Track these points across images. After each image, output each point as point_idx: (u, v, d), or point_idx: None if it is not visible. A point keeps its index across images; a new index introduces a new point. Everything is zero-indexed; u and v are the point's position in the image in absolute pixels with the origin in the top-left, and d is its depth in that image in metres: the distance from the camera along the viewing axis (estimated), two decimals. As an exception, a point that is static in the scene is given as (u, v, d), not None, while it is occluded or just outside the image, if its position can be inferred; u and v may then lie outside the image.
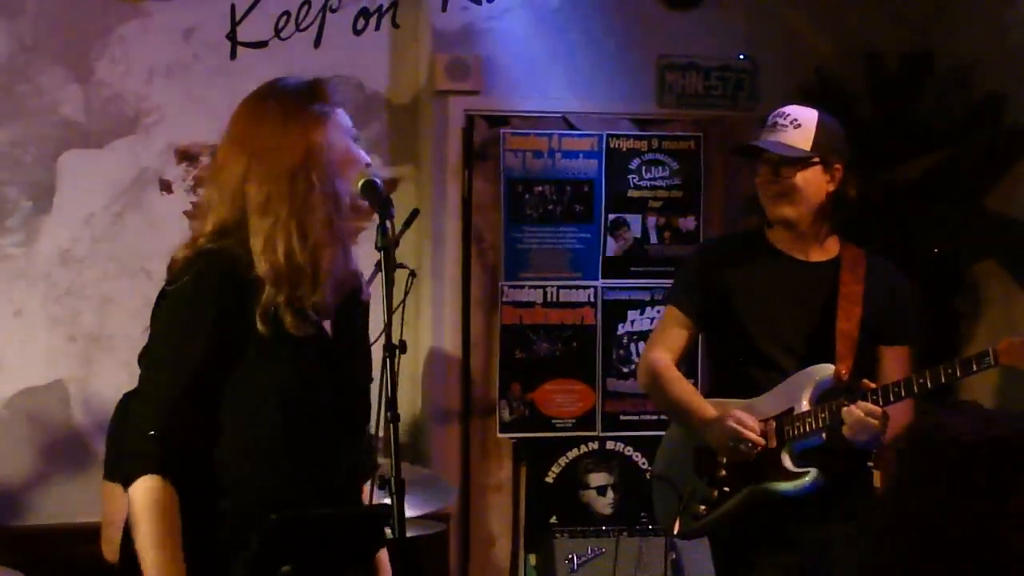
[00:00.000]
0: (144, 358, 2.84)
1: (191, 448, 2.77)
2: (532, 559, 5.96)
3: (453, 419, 5.95)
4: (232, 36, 5.64)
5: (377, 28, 5.82)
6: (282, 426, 2.83)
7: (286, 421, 2.83)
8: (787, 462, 3.82)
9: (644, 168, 6.09)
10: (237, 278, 2.79)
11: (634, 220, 6.08)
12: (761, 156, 3.95)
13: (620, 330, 6.08)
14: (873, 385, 3.71)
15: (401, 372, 2.88)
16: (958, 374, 3.59)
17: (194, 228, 2.92)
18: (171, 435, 2.74)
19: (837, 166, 3.92)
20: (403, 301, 2.97)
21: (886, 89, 6.10)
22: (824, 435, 3.78)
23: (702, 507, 3.97)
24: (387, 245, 2.90)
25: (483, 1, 5.89)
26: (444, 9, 5.83)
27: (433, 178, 5.91)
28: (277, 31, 5.68)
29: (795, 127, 3.92)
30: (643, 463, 6.04)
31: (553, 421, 6.02)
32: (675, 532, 4.07)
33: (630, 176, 6.08)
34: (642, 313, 6.07)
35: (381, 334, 2.87)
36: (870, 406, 3.67)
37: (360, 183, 2.97)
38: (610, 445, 6.10)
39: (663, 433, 4.29)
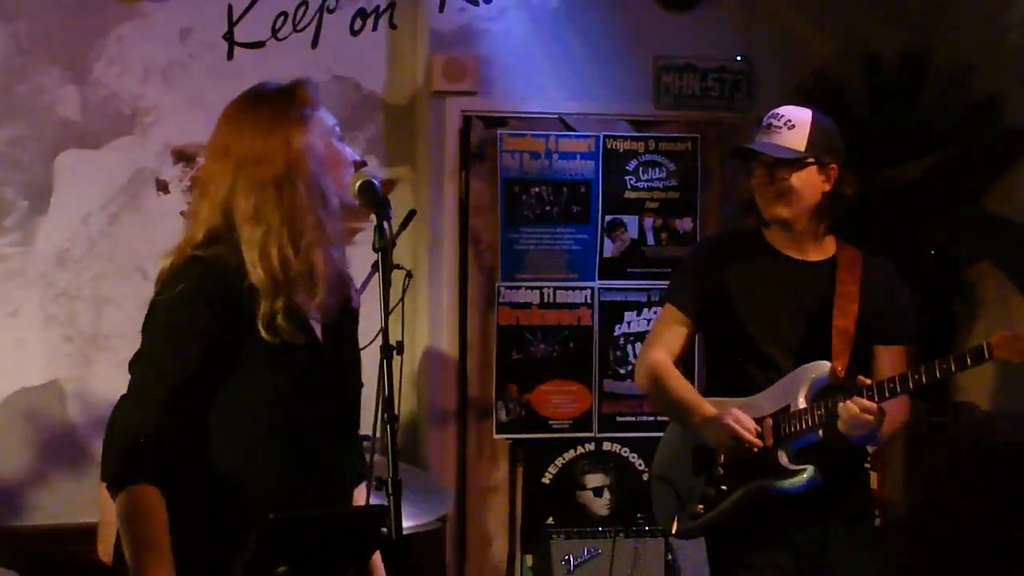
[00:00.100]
0: (135, 364, 2.84)
1: (180, 454, 2.76)
2: (528, 560, 5.96)
3: (450, 420, 5.95)
4: (229, 36, 5.64)
5: (374, 29, 5.82)
6: (274, 432, 2.83)
7: (278, 427, 2.84)
8: (784, 460, 3.82)
9: (641, 169, 6.09)
10: (230, 287, 2.78)
11: (631, 221, 6.08)
12: (756, 158, 3.95)
13: (617, 331, 6.08)
14: (868, 381, 3.71)
15: (397, 373, 2.88)
16: (953, 369, 3.59)
17: (183, 237, 2.91)
18: (160, 441, 2.73)
19: (832, 166, 3.92)
20: (400, 302, 2.98)
21: (884, 90, 6.10)
22: (820, 432, 3.78)
23: (700, 506, 3.97)
24: (384, 246, 2.90)
25: (480, 2, 5.89)
26: (441, 10, 5.83)
27: (430, 179, 5.91)
28: (274, 31, 5.68)
29: (789, 128, 3.92)
30: (640, 464, 6.03)
31: (550, 422, 6.02)
32: (673, 532, 4.07)
33: (627, 177, 6.08)
34: (639, 314, 6.08)
35: (378, 335, 2.87)
36: (865, 402, 3.67)
37: (357, 184, 2.97)
38: (607, 446, 6.10)
39: (660, 434, 4.29)
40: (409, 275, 4.70)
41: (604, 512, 6.08)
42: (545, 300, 6.02)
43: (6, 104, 5.56)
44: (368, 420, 3.14)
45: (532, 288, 6.01)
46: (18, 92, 5.57)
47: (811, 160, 3.89)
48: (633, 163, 6.08)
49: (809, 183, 3.90)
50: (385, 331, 2.86)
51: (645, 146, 6.11)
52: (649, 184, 6.10)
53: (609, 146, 6.06)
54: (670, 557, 5.66)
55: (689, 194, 6.13)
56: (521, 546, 6.02)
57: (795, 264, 3.98)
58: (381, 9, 5.80)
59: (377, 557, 3.08)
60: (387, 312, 2.86)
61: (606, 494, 6.08)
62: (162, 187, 5.66)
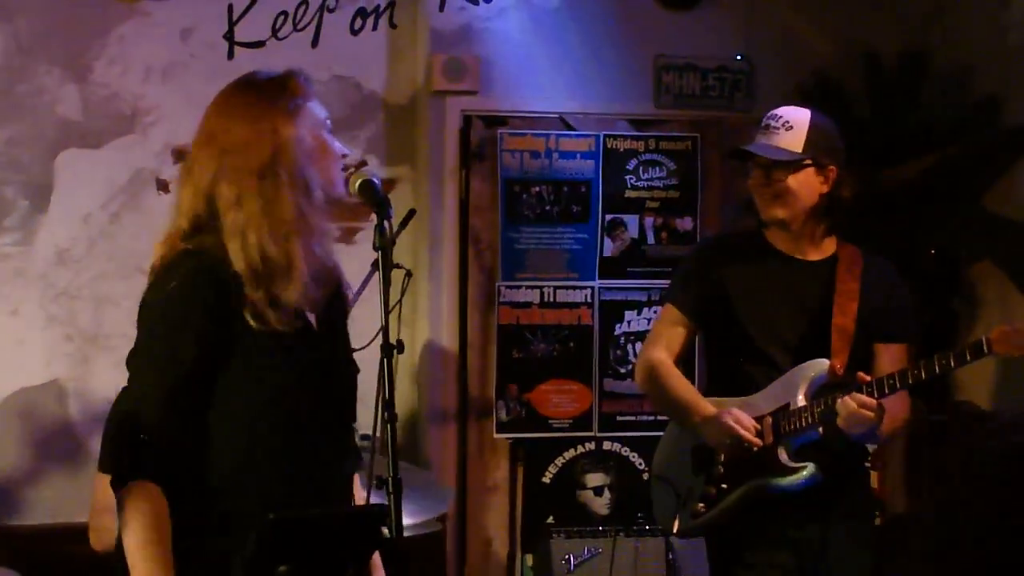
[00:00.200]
0: (131, 362, 2.84)
1: (181, 451, 2.76)
2: (529, 559, 5.96)
3: (450, 419, 5.95)
4: (229, 36, 5.64)
5: (374, 28, 5.82)
6: (274, 428, 2.83)
7: (278, 422, 2.83)
8: (784, 458, 3.82)
9: (641, 168, 6.09)
10: (220, 279, 2.78)
11: (631, 220, 6.09)
12: (753, 159, 3.95)
13: (617, 330, 6.08)
14: (868, 377, 3.71)
15: (398, 372, 2.88)
16: (952, 364, 3.59)
17: (171, 226, 2.91)
18: (161, 439, 2.73)
19: (831, 168, 3.91)
20: (400, 301, 2.97)
21: (884, 89, 6.10)
22: (820, 429, 3.78)
23: (700, 505, 3.97)
24: (384, 245, 2.89)
25: (480, 1, 5.89)
26: (441, 9, 5.83)
27: (430, 178, 5.91)
28: (274, 31, 5.68)
29: (787, 129, 3.91)
30: (640, 463, 6.04)
31: (550, 421, 6.03)
32: (674, 531, 4.07)
33: (627, 176, 6.08)
34: (639, 313, 6.08)
35: (378, 334, 2.87)
36: (864, 398, 3.66)
37: (358, 183, 2.97)
38: (607, 445, 6.10)
39: (660, 433, 4.29)
40: (409, 274, 4.68)
41: (604, 511, 6.08)
42: (545, 299, 6.02)
43: (6, 104, 5.56)
44: (368, 419, 3.14)
45: (532, 287, 6.01)
46: (18, 92, 5.58)
47: (808, 162, 3.88)
48: (633, 162, 6.09)
49: (806, 184, 3.90)
50: (385, 330, 2.86)
51: (645, 145, 6.11)
52: (649, 183, 6.10)
53: (609, 145, 6.06)
54: (670, 556, 5.66)
55: (689, 193, 6.13)
56: (521, 545, 6.02)
57: (795, 264, 3.98)
58: (381, 8, 5.80)
59: (377, 557, 3.08)
60: (387, 311, 2.86)
61: (606, 493, 6.08)
62: (162, 187, 5.66)
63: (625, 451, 6.09)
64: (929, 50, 6.16)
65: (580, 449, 6.09)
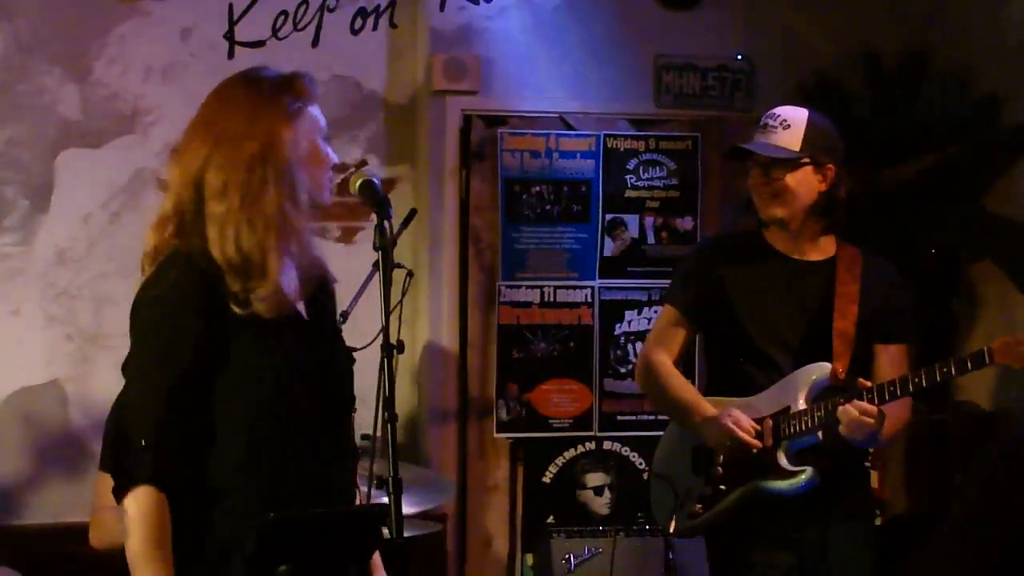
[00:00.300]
0: (128, 368, 2.83)
1: (182, 454, 2.76)
2: (529, 559, 5.96)
3: (450, 419, 5.95)
4: (230, 36, 5.64)
5: (375, 28, 5.82)
6: (274, 419, 2.83)
7: (278, 414, 2.83)
8: (783, 461, 3.82)
9: (641, 168, 6.09)
10: (209, 276, 2.78)
11: (631, 220, 6.08)
12: (752, 158, 3.95)
13: (617, 330, 6.08)
14: (869, 384, 3.71)
15: (398, 372, 2.88)
16: (953, 373, 3.59)
17: (161, 207, 2.91)
18: (161, 443, 2.73)
19: (829, 166, 3.92)
20: (400, 301, 2.98)
21: (884, 89, 6.10)
22: (820, 434, 3.78)
23: (698, 506, 3.97)
24: (385, 245, 2.89)
25: (481, 1, 5.89)
26: (442, 9, 5.83)
27: (430, 178, 5.91)
28: (275, 31, 5.68)
29: (784, 128, 3.92)
30: (640, 463, 6.03)
31: (550, 421, 6.02)
32: (671, 531, 4.07)
33: (627, 176, 6.08)
34: (639, 313, 6.08)
35: (378, 334, 2.87)
36: (865, 405, 3.67)
37: (358, 183, 2.97)
38: (607, 445, 6.10)
39: (660, 433, 4.29)
40: (410, 274, 4.71)
41: (604, 511, 6.08)
42: (545, 299, 6.02)
43: (7, 103, 5.56)
44: (369, 419, 3.15)
45: (532, 287, 6.01)
46: (19, 91, 5.57)
47: (806, 160, 3.89)
48: (633, 162, 6.09)
49: (805, 183, 3.90)
50: (386, 330, 2.86)
51: (646, 145, 6.11)
52: (650, 183, 6.10)
53: (610, 145, 6.06)
54: (670, 556, 5.66)
55: (690, 193, 6.13)
56: (522, 545, 6.02)
57: (794, 264, 3.98)
58: (381, 8, 5.80)
59: (377, 557, 3.08)
60: (388, 311, 2.86)
61: (606, 493, 6.08)
62: (163, 187, 5.65)
63: (625, 451, 6.09)
64: (929, 50, 6.15)
65: (580, 449, 6.09)
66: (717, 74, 6.17)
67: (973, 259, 6.04)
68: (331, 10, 5.74)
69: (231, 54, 5.63)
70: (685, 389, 4.05)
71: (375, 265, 2.93)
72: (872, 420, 3.67)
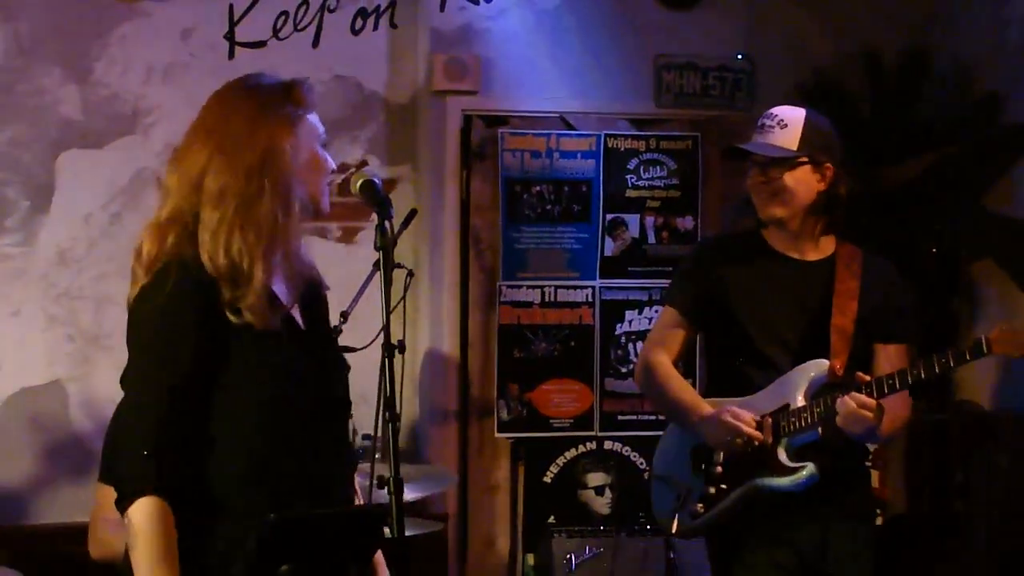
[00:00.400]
0: (126, 379, 2.83)
1: (183, 461, 2.76)
2: (530, 559, 5.96)
3: (451, 419, 5.96)
4: (230, 36, 5.64)
5: (375, 28, 5.82)
6: (275, 424, 2.82)
7: (278, 419, 2.83)
8: (783, 458, 3.82)
9: (642, 168, 6.09)
10: (205, 285, 2.78)
11: (632, 220, 6.09)
12: (750, 158, 3.96)
13: (618, 330, 6.09)
14: (867, 378, 3.71)
15: (399, 372, 2.88)
16: (951, 364, 3.59)
17: (157, 211, 2.91)
18: (164, 453, 2.72)
19: (827, 165, 3.91)
20: (401, 301, 2.98)
21: (884, 88, 6.10)
22: (820, 429, 3.78)
23: (700, 505, 3.97)
24: (385, 245, 2.89)
25: (481, 1, 5.89)
26: (442, 9, 5.83)
27: (431, 178, 5.92)
28: (275, 31, 5.68)
29: (782, 127, 3.92)
30: (641, 463, 6.04)
31: (551, 421, 6.03)
32: (673, 531, 4.07)
33: (628, 176, 6.08)
34: (640, 313, 6.08)
35: (379, 334, 2.87)
36: (863, 398, 3.67)
37: (359, 183, 2.96)
38: (608, 445, 6.10)
39: (661, 433, 4.29)
40: (410, 274, 4.73)
41: (605, 511, 6.08)
42: (546, 299, 6.02)
43: (7, 104, 5.56)
44: (370, 419, 3.15)
45: (533, 287, 6.01)
46: (19, 92, 5.58)
47: (804, 159, 3.89)
48: (634, 162, 6.09)
49: (803, 182, 3.90)
50: (386, 330, 2.86)
51: (646, 145, 6.11)
52: (650, 183, 6.10)
53: (610, 145, 6.06)
54: (671, 556, 5.66)
55: (690, 193, 6.13)
56: (523, 545, 6.03)
57: (794, 264, 3.98)
58: (382, 8, 5.80)
59: (380, 556, 3.08)
60: (388, 311, 2.86)
61: (607, 493, 6.08)
62: (160, 192, 5.65)
63: (626, 451, 6.10)
64: (929, 49, 6.16)
65: (581, 449, 6.09)
66: (718, 74, 6.17)
67: (973, 258, 6.05)
68: (331, 10, 5.74)
69: (231, 55, 5.63)
70: (684, 390, 4.05)
71: (376, 265, 2.93)
72: (870, 413, 3.67)
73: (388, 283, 2.87)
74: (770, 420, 3.84)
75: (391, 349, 2.86)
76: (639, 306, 6.09)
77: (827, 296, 3.91)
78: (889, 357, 3.92)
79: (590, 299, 6.05)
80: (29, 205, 5.60)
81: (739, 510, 3.91)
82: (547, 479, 6.07)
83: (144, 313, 2.83)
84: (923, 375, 3.63)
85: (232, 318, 2.78)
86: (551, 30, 6.00)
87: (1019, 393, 5.71)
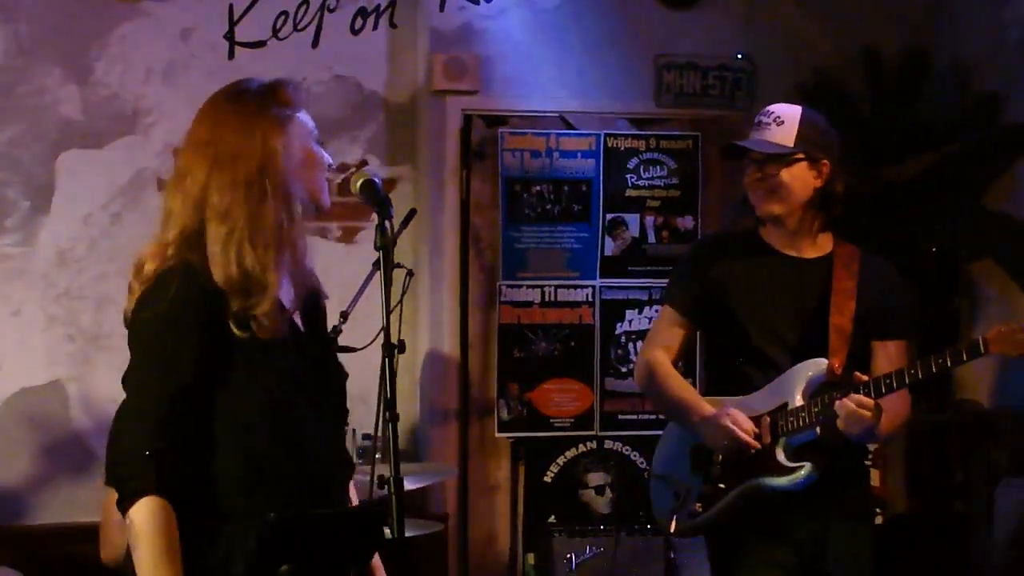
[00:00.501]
0: (128, 381, 2.83)
1: (185, 464, 2.76)
2: (530, 558, 5.96)
3: (451, 419, 5.96)
4: (230, 36, 5.64)
5: (375, 28, 5.82)
6: (275, 428, 2.83)
7: (278, 423, 2.83)
8: (782, 457, 3.82)
9: (642, 167, 6.09)
10: (209, 292, 2.78)
11: (632, 219, 6.09)
12: (747, 155, 3.96)
13: (618, 329, 6.09)
14: (865, 377, 3.71)
15: (399, 372, 2.88)
16: (949, 364, 3.59)
17: (159, 236, 2.90)
18: (165, 454, 2.73)
19: (824, 162, 3.92)
20: (401, 300, 2.98)
21: (885, 88, 6.10)
22: (818, 429, 3.78)
23: (699, 505, 3.97)
24: (385, 244, 2.89)
25: (481, 1, 5.89)
26: (442, 9, 5.83)
27: (431, 178, 5.92)
28: (275, 31, 5.68)
29: (778, 124, 3.92)
30: (641, 462, 6.04)
31: (551, 421, 6.03)
32: (672, 531, 4.07)
33: (628, 175, 6.08)
34: (640, 312, 6.08)
35: (379, 334, 2.87)
36: (862, 398, 3.66)
37: (359, 183, 2.97)
38: (608, 444, 6.10)
39: (661, 433, 4.29)
40: (410, 274, 4.72)
41: (606, 510, 6.08)
42: (546, 299, 6.02)
43: (8, 104, 5.56)
44: (370, 419, 3.14)
45: (533, 287, 6.01)
46: (19, 92, 5.58)
47: (800, 156, 3.89)
48: (634, 161, 6.09)
49: (800, 179, 3.90)
50: (386, 330, 2.86)
51: (646, 144, 6.11)
52: (650, 182, 6.10)
53: (610, 144, 6.07)
54: (671, 555, 5.66)
55: (690, 192, 6.13)
56: (523, 544, 6.03)
57: (792, 262, 3.97)
58: (382, 8, 5.80)
59: (377, 559, 3.08)
60: (388, 311, 2.86)
61: (608, 492, 6.09)
62: (163, 187, 5.66)
63: (626, 450, 6.10)
64: (929, 48, 6.16)
65: (581, 448, 6.09)
66: (718, 73, 6.17)
67: (974, 257, 6.05)
68: (331, 10, 5.74)
69: (231, 54, 5.63)
70: (684, 389, 4.05)
71: (375, 265, 2.93)
72: (869, 413, 3.67)
73: (388, 283, 2.87)
74: (768, 419, 3.84)
75: (391, 349, 2.86)
76: (639, 306, 6.09)
77: (825, 294, 3.91)
78: (888, 355, 3.92)
79: (590, 299, 6.05)
80: (29, 205, 5.60)
81: (738, 509, 3.91)
82: (547, 479, 6.07)
83: (147, 315, 2.83)
84: (920, 375, 3.63)
85: (237, 331, 2.78)
86: (551, 30, 6.00)
87: (1019, 392, 5.71)
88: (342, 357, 3.10)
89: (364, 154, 5.89)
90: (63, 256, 5.62)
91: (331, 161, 2.98)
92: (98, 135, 5.65)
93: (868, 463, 4.16)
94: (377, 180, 2.98)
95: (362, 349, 3.90)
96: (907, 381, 3.66)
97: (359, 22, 5.79)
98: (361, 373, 3.18)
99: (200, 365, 2.77)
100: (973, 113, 5.99)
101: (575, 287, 6.05)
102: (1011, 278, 5.84)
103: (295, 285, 2.90)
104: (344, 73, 5.87)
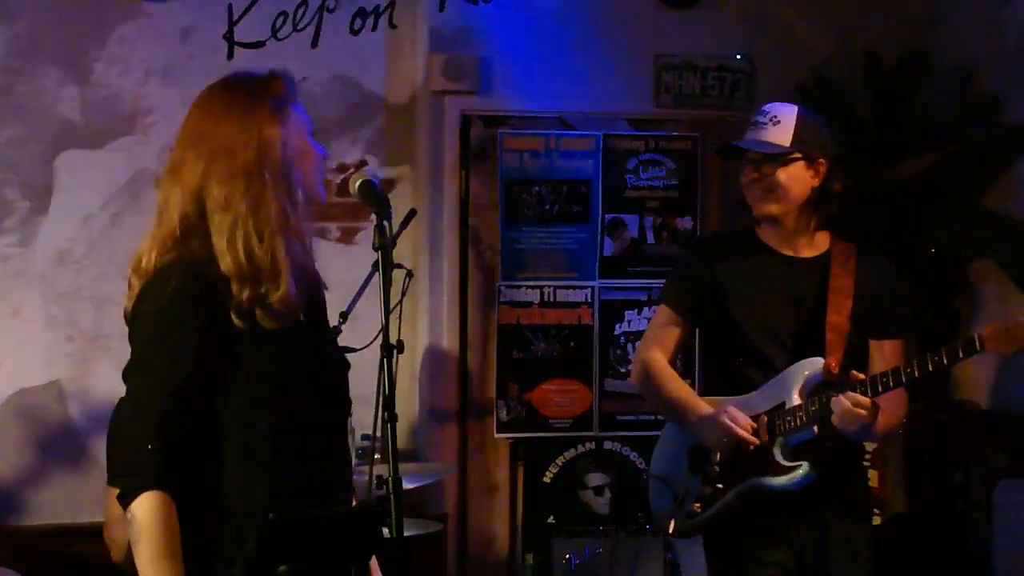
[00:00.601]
0: (131, 374, 2.83)
1: (187, 457, 2.75)
2: (530, 559, 5.95)
3: (450, 419, 5.95)
4: (229, 36, 5.63)
5: (374, 28, 5.81)
6: (278, 422, 2.82)
7: (282, 417, 2.83)
8: (779, 457, 3.82)
9: (641, 168, 6.09)
10: (211, 284, 2.78)
11: (631, 220, 6.09)
12: (744, 155, 3.96)
13: (617, 330, 6.08)
14: (862, 376, 3.71)
15: (398, 372, 2.88)
16: (945, 362, 3.59)
17: (159, 227, 2.90)
18: (168, 448, 2.72)
19: (820, 161, 3.92)
20: (400, 301, 2.98)
21: (884, 88, 6.10)
22: (815, 428, 3.78)
23: (697, 505, 3.97)
24: (385, 245, 2.89)
25: (480, 1, 5.89)
26: (441, 9, 5.82)
27: (430, 178, 5.92)
28: (274, 31, 5.67)
29: (774, 124, 3.92)
30: (640, 463, 6.03)
31: (550, 421, 6.03)
32: (671, 531, 4.06)
33: (627, 176, 6.08)
34: (639, 313, 6.08)
35: (378, 334, 2.87)
36: (858, 397, 3.66)
37: (358, 183, 2.97)
38: (607, 445, 6.10)
39: (660, 433, 4.29)
40: (409, 274, 4.73)
41: (605, 511, 6.08)
42: (545, 299, 6.02)
43: (7, 104, 5.56)
44: (369, 420, 3.15)
45: (532, 287, 6.01)
46: (19, 92, 5.58)
47: (797, 155, 3.89)
48: (633, 162, 6.09)
49: (797, 178, 3.90)
50: (385, 330, 2.86)
51: (645, 145, 6.11)
52: (649, 183, 6.10)
53: (609, 145, 6.06)
54: (671, 556, 5.66)
55: (689, 192, 6.13)
56: (522, 545, 6.02)
57: (788, 261, 3.97)
58: (381, 8, 5.80)
59: (374, 561, 3.08)
60: (387, 311, 2.86)
61: (607, 493, 6.08)
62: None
63: (625, 451, 6.10)
64: (929, 49, 6.16)
65: (580, 449, 6.09)
66: (717, 74, 6.17)
67: (972, 258, 6.05)
68: (330, 11, 5.73)
69: (230, 55, 5.63)
70: (681, 389, 4.04)
71: (375, 265, 2.93)
72: (865, 412, 3.67)
73: (387, 283, 2.87)
74: (766, 419, 3.84)
75: (390, 349, 2.86)
76: (638, 306, 6.09)
77: (822, 293, 3.91)
78: (884, 353, 3.92)
79: (589, 299, 6.05)
80: (28, 206, 5.60)
81: (736, 509, 3.91)
82: (547, 479, 6.06)
83: (147, 310, 2.83)
84: (917, 374, 3.63)
85: (237, 322, 2.78)
86: (550, 30, 6.00)
87: (1018, 392, 5.71)
88: (341, 357, 3.10)
89: (363, 154, 5.89)
90: (62, 256, 5.62)
91: (326, 153, 2.98)
92: (97, 135, 5.65)
93: (867, 463, 4.16)
94: (376, 181, 2.98)
95: (361, 349, 3.90)
96: (904, 380, 3.66)
97: (358, 22, 5.79)
98: (360, 373, 3.17)
99: (201, 358, 2.76)
100: (973, 114, 5.99)
101: (574, 288, 6.05)
102: (1010, 278, 5.84)
103: (301, 277, 2.90)
104: (343, 73, 5.87)
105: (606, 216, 6.05)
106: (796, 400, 3.82)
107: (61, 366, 5.61)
